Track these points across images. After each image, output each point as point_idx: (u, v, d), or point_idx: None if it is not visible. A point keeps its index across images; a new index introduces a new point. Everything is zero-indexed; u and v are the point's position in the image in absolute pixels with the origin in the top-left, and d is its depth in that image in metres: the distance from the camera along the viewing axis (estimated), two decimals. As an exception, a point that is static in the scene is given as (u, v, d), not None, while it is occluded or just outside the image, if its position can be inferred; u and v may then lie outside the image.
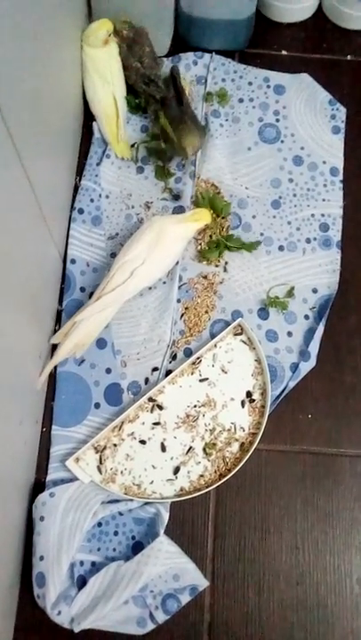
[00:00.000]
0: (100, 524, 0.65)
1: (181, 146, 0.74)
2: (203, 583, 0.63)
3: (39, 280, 0.66)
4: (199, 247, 0.76)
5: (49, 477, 0.67)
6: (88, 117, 0.81)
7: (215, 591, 0.65)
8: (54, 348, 0.69)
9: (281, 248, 0.77)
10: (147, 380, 0.71)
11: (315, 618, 0.64)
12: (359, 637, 0.63)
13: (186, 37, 0.86)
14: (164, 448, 0.68)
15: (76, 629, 0.60)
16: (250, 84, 0.84)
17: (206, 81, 0.84)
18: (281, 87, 0.84)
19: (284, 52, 0.88)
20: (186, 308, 0.73)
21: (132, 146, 0.81)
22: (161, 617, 0.62)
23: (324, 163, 0.81)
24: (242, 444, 0.68)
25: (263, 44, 0.88)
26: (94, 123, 0.80)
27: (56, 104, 0.67)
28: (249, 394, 0.70)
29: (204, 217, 0.73)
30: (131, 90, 0.81)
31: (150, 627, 0.62)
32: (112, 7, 0.77)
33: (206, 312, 0.73)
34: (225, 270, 0.75)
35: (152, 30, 0.80)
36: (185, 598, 0.62)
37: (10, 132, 0.48)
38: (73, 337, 0.67)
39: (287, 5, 0.86)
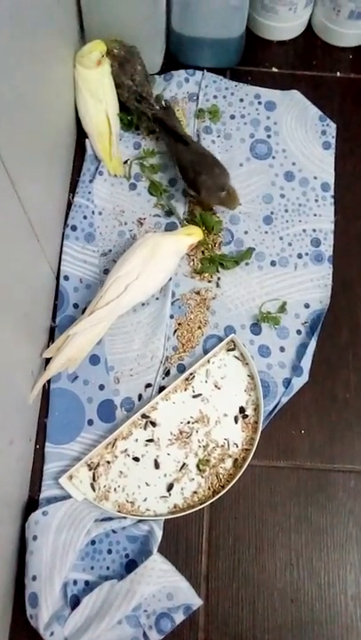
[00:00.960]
0: (93, 543, 0.65)
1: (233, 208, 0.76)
2: (197, 602, 0.63)
3: (32, 297, 0.66)
4: (192, 263, 0.77)
5: (42, 495, 0.66)
6: (81, 135, 0.82)
7: (209, 610, 0.64)
8: (47, 363, 0.69)
9: (273, 263, 0.77)
10: (140, 397, 0.71)
11: (309, 635, 0.64)
12: (354, 655, 0.63)
13: (177, 55, 0.87)
14: (157, 465, 0.68)
15: (69, 650, 0.59)
16: (241, 100, 0.85)
17: (198, 98, 0.85)
18: (272, 104, 0.85)
19: (274, 70, 0.89)
20: (179, 324, 0.73)
21: (125, 163, 0.81)
22: (155, 637, 0.61)
23: (316, 178, 0.82)
24: (235, 460, 0.68)
25: (254, 61, 0.89)
26: (87, 140, 0.81)
27: (48, 122, 0.68)
28: (242, 409, 0.70)
29: (196, 232, 0.73)
30: (123, 107, 0.82)
31: (144, 646, 0.61)
32: (104, 26, 0.78)
33: (199, 328, 0.74)
34: (217, 286, 0.76)
35: (144, 49, 0.80)
36: (179, 617, 0.62)
37: None
38: (66, 351, 0.67)
39: (277, 24, 0.87)
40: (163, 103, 0.81)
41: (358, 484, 0.69)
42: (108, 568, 0.64)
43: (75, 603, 0.62)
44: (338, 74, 0.89)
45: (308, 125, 0.84)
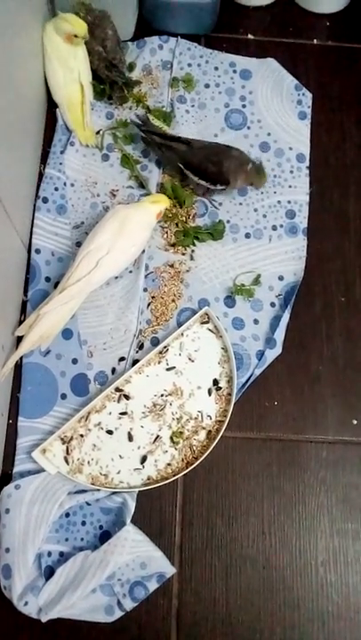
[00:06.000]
0: (67, 515, 0.65)
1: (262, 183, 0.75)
2: (170, 570, 0.64)
3: (2, 270, 0.65)
4: (166, 236, 0.76)
5: (15, 469, 0.66)
6: (52, 105, 0.80)
7: (183, 578, 0.65)
8: (19, 339, 0.69)
9: (247, 235, 0.77)
10: (113, 370, 0.70)
11: (281, 601, 0.65)
12: (324, 619, 0.65)
13: (151, 21, 0.85)
14: (131, 438, 0.68)
15: (44, 619, 0.60)
16: (216, 68, 0.84)
17: (172, 66, 0.83)
18: (247, 72, 0.83)
19: (250, 36, 0.87)
20: (152, 297, 0.73)
21: (97, 133, 0.80)
22: (129, 604, 0.62)
23: (291, 149, 0.81)
24: (209, 432, 0.69)
25: (229, 27, 0.87)
26: (57, 110, 0.79)
27: (15, 92, 0.66)
28: (216, 382, 0.70)
29: (161, 200, 0.72)
30: (95, 76, 0.80)
31: (118, 614, 0.62)
32: (73, -10, 0.75)
33: (173, 301, 0.73)
34: (192, 259, 0.75)
35: (116, 14, 0.78)
36: (152, 585, 0.63)
37: None
38: (37, 329, 0.67)
39: (253, -12, 0.85)
40: (138, 120, 0.77)
41: (330, 455, 0.70)
42: (82, 539, 0.65)
43: (49, 574, 0.62)
44: (315, 41, 0.87)
45: (284, 95, 0.83)
